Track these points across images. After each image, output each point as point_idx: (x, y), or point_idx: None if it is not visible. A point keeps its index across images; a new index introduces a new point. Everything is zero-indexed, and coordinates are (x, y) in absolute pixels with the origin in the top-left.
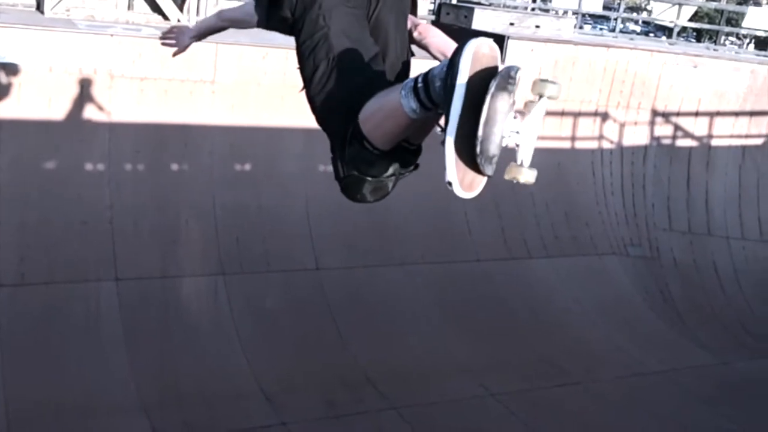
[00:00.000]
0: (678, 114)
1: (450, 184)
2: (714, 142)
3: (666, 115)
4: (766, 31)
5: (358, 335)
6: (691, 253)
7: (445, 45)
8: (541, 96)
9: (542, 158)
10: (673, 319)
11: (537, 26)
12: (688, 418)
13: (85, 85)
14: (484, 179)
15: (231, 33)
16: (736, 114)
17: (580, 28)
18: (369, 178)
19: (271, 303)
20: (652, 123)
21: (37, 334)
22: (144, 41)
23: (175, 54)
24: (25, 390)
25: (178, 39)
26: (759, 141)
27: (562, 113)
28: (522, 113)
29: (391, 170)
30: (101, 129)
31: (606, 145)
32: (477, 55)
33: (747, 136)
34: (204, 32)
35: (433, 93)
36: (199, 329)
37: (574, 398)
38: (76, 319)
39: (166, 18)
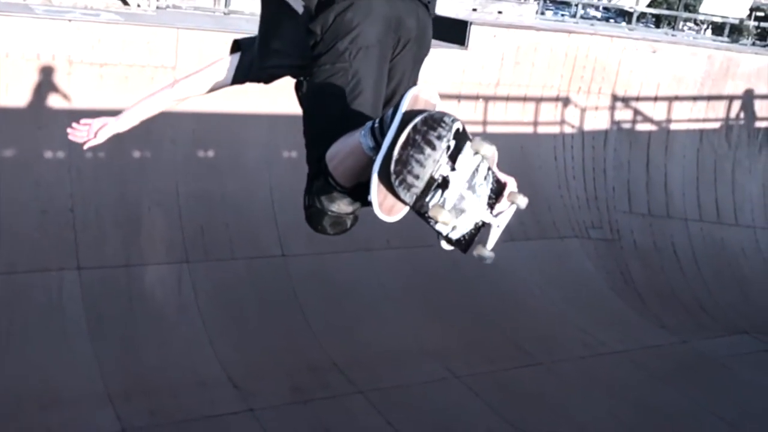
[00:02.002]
0: (637, 99)
1: (370, 204)
2: (673, 126)
3: (626, 100)
4: (722, 17)
5: (325, 321)
6: (650, 235)
7: None
8: (476, 152)
9: (505, 142)
10: (633, 299)
11: (499, 12)
12: (647, 397)
13: (43, 71)
14: (405, 207)
15: (192, 17)
16: (694, 98)
17: (542, 14)
18: (329, 213)
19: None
20: (612, 108)
21: None
22: (103, 26)
23: (89, 146)
24: None
25: (96, 132)
26: (716, 125)
27: (525, 98)
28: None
29: (350, 208)
30: (61, 116)
31: (567, 129)
32: (416, 98)
33: (704, 120)
34: (140, 120)
35: (385, 132)
36: (163, 317)
37: (537, 379)
38: (38, 309)
39: (125, 3)
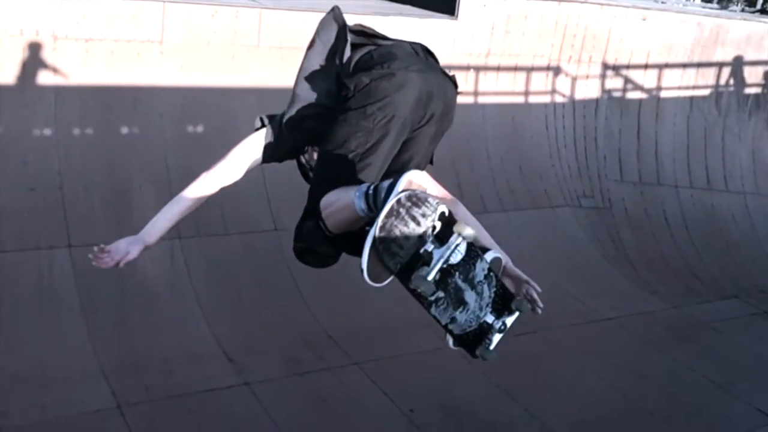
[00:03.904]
0: (628, 67)
1: (361, 271)
2: (663, 94)
3: (616, 68)
4: None
5: (318, 294)
6: (641, 202)
7: (477, 229)
8: (459, 234)
9: (497, 113)
10: (625, 267)
11: None
12: (639, 362)
13: (27, 47)
14: (391, 276)
15: None
16: (684, 66)
17: None
18: (314, 251)
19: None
20: (603, 76)
21: None
22: (87, 1)
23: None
24: None
25: (122, 255)
26: (706, 92)
27: (516, 68)
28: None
29: (333, 251)
30: (46, 93)
31: (559, 99)
32: (410, 182)
33: (694, 87)
34: (170, 228)
35: (378, 200)
36: (156, 294)
37: (531, 347)
38: (29, 288)
39: None
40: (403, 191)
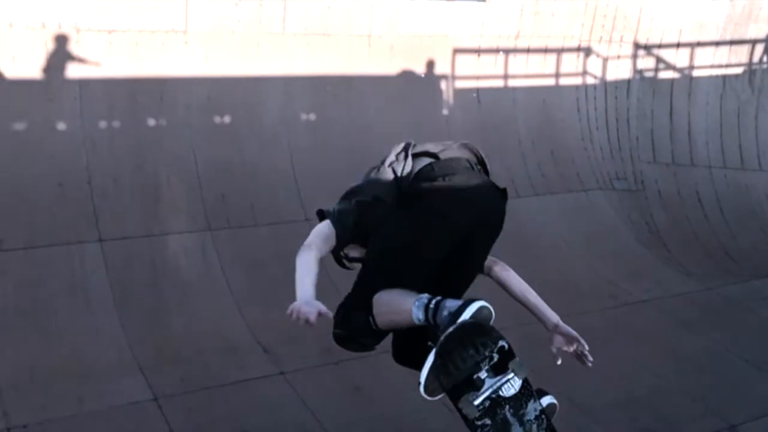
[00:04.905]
0: (660, 46)
1: (419, 384)
2: (695, 73)
3: (648, 48)
4: None
5: (351, 282)
6: (675, 183)
7: (526, 291)
8: (513, 370)
9: (527, 96)
10: (658, 248)
11: None
12: (674, 343)
13: (49, 41)
14: (442, 392)
15: None
16: (717, 44)
17: None
18: (358, 342)
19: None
20: (634, 56)
21: (20, 301)
22: None
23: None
24: (13, 358)
25: (312, 308)
26: (739, 70)
27: (546, 50)
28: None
29: (375, 344)
30: (71, 86)
31: (590, 80)
32: (481, 311)
33: (727, 66)
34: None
35: (438, 317)
36: (189, 286)
37: None
38: (61, 283)
39: None
40: (469, 318)
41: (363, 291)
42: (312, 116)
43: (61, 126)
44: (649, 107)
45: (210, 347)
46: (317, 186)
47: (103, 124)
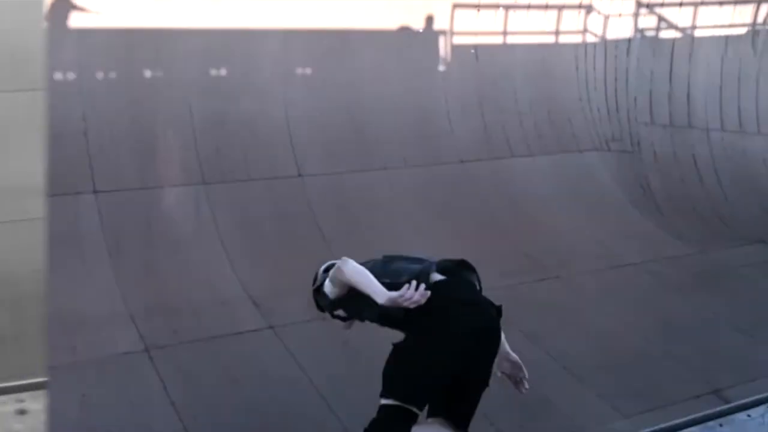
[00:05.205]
0: (662, 5)
1: None
2: (697, 33)
3: (650, 6)
4: None
5: (344, 239)
6: (671, 146)
7: None
8: None
9: (526, 54)
10: (652, 211)
11: None
12: (663, 306)
13: None
14: None
15: None
16: (720, 3)
17: None
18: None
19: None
20: (636, 14)
21: None
22: None
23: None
24: None
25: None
26: (742, 30)
27: (546, 6)
28: None
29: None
30: (69, 36)
31: (590, 38)
32: None
33: (730, 26)
34: None
35: None
36: (182, 239)
37: (553, 292)
38: (55, 233)
39: None
40: None
41: (390, 415)
42: (308, 70)
43: (58, 76)
44: (649, 68)
45: (201, 300)
46: (311, 141)
47: (100, 74)
